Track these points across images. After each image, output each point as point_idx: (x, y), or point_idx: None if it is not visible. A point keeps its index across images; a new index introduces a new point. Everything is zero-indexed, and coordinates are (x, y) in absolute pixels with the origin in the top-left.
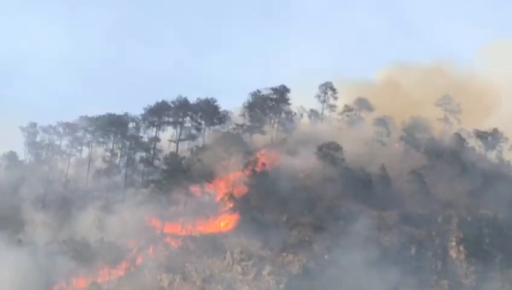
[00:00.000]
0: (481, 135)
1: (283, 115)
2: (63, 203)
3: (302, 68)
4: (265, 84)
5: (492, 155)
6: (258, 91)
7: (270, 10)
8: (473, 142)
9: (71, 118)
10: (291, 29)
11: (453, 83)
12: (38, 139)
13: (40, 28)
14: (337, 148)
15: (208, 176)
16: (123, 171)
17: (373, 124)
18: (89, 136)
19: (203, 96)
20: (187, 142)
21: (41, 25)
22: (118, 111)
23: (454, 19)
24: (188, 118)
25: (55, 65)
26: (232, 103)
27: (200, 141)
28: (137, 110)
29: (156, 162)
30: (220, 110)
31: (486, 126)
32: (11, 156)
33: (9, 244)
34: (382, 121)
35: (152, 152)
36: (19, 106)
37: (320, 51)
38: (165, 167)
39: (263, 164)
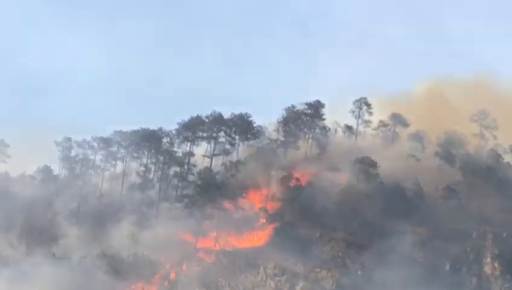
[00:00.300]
0: None
1: (317, 130)
2: (97, 218)
3: (338, 84)
4: (301, 100)
5: None
6: (293, 106)
7: (306, 26)
8: (509, 158)
9: (106, 133)
10: (328, 45)
11: (489, 99)
12: (72, 153)
13: (77, 44)
14: (372, 163)
15: (241, 191)
16: (157, 186)
17: (408, 139)
18: (123, 150)
19: (237, 112)
20: (221, 157)
21: (78, 40)
22: (152, 126)
23: (493, 34)
24: (222, 133)
25: (90, 80)
26: (267, 118)
27: (234, 156)
28: (171, 125)
29: (190, 177)
30: (254, 125)
31: None
32: (46, 170)
33: (43, 258)
34: (417, 136)
35: (186, 167)
36: (54, 121)
37: (356, 67)
38: (199, 182)
39: (297, 179)
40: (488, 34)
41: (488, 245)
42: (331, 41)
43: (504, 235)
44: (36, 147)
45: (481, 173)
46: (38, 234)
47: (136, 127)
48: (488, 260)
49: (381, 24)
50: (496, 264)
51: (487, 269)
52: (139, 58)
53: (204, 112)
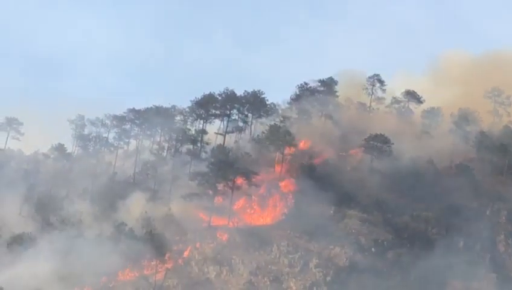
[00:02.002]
0: None
1: (330, 107)
2: (110, 196)
3: (351, 61)
4: (313, 77)
5: None
6: (306, 83)
7: (318, 4)
8: None
9: (119, 111)
10: (340, 23)
11: (503, 75)
12: (86, 131)
13: (90, 22)
14: (385, 140)
15: (254, 169)
16: (170, 164)
17: (421, 116)
18: (136, 128)
19: (250, 90)
20: (234, 134)
21: (92, 19)
22: (166, 104)
23: (507, 10)
24: (235, 111)
25: (104, 59)
26: (280, 96)
27: (247, 134)
28: (184, 103)
29: (203, 155)
30: (267, 102)
31: None
32: (59, 148)
33: (57, 236)
34: (431, 113)
35: (199, 145)
36: (67, 99)
37: (368, 44)
38: (212, 160)
39: (310, 157)
40: (502, 9)
41: (501, 222)
42: (343, 19)
43: None
44: (49, 125)
45: (495, 150)
46: (52, 212)
47: (149, 105)
48: (502, 237)
49: (393, 1)
50: (510, 242)
51: (500, 246)
52: (152, 37)
53: (217, 90)
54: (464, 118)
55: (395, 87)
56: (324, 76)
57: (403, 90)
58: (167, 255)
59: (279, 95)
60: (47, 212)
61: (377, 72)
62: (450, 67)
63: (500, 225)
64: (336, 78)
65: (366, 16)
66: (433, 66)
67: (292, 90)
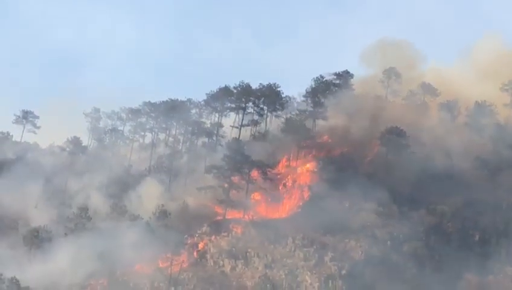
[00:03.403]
0: None
1: (347, 100)
2: (126, 189)
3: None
4: (330, 70)
5: None
6: (321, 76)
7: None
8: None
9: (135, 104)
10: (358, 15)
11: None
12: (101, 124)
13: (107, 16)
14: (402, 133)
15: (270, 162)
16: (185, 157)
17: (437, 109)
18: (152, 121)
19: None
20: (249, 127)
21: (110, 14)
22: (182, 97)
23: None
24: (250, 104)
25: (122, 54)
26: (296, 90)
27: (262, 127)
28: (200, 97)
29: (219, 148)
30: (282, 95)
31: None
32: (75, 141)
33: (74, 229)
34: (447, 106)
35: (214, 138)
36: (83, 92)
37: (384, 37)
38: (227, 153)
39: (327, 150)
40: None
41: None
42: (360, 12)
43: None
44: (65, 118)
45: (511, 143)
46: (68, 205)
47: (165, 99)
48: None
49: None
50: None
51: None
52: (169, 31)
53: (233, 83)
54: (479, 111)
55: (411, 80)
56: (340, 69)
57: (419, 82)
58: (182, 248)
59: (296, 88)
60: (63, 205)
61: (392, 66)
62: (465, 59)
63: None
64: (352, 72)
65: (384, 7)
66: (450, 59)
67: (308, 83)
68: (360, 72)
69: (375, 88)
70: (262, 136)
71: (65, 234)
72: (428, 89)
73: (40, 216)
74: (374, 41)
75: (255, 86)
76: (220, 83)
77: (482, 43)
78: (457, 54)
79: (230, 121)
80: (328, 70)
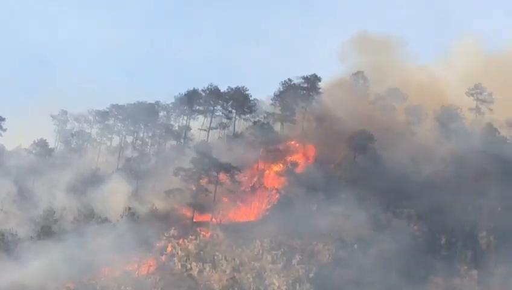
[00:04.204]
0: None
1: (314, 104)
2: (93, 192)
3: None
4: (299, 74)
5: None
6: (289, 80)
7: (304, 1)
8: (505, 132)
9: (103, 106)
10: (328, 20)
11: (486, 73)
12: (68, 127)
13: (76, 16)
14: (369, 137)
15: (238, 165)
16: (153, 160)
17: (404, 113)
18: (119, 124)
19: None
20: (218, 130)
21: (77, 12)
22: (151, 99)
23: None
24: (218, 107)
25: (91, 55)
26: (265, 92)
27: (230, 130)
28: (168, 99)
29: (187, 151)
30: (250, 98)
31: None
32: (42, 143)
33: (39, 233)
34: (413, 110)
35: (182, 140)
36: (51, 94)
37: None
38: (195, 156)
39: (295, 153)
40: (488, 9)
41: (483, 219)
42: (331, 16)
43: (499, 209)
44: (32, 121)
45: (478, 148)
46: (34, 207)
47: (133, 101)
48: (484, 234)
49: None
50: (492, 239)
51: (482, 243)
52: (138, 32)
53: (203, 86)
54: (446, 115)
55: (379, 83)
56: (310, 72)
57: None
58: (150, 251)
59: (265, 91)
60: (29, 208)
61: (361, 70)
62: (433, 64)
63: (482, 222)
64: (321, 75)
65: (355, 11)
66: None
67: (277, 86)
68: (333, 74)
69: (346, 90)
70: (230, 139)
71: (31, 237)
72: (395, 93)
73: (6, 219)
74: (352, 39)
75: (223, 89)
76: (190, 85)
77: (460, 44)
78: (433, 57)
79: (198, 124)
80: (297, 73)
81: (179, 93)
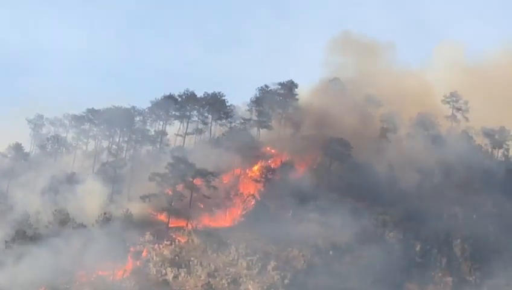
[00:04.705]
0: (488, 133)
1: (291, 110)
2: (68, 196)
3: (315, 64)
4: (276, 80)
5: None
6: (266, 86)
7: (282, 7)
8: (480, 140)
9: (79, 111)
10: (306, 26)
11: (463, 80)
12: (44, 131)
13: (52, 22)
14: (345, 144)
15: (214, 170)
16: (129, 165)
17: (380, 120)
18: (95, 129)
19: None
20: (194, 136)
21: (53, 18)
22: (126, 104)
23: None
24: (195, 112)
25: (65, 58)
26: (242, 98)
27: (206, 135)
28: (145, 104)
29: (163, 156)
30: (227, 104)
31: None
32: (17, 147)
33: (24, 239)
34: (389, 117)
35: (158, 146)
36: (26, 98)
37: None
38: (171, 161)
39: (271, 159)
40: (466, 15)
41: (458, 227)
42: (309, 23)
43: (474, 216)
44: (7, 125)
45: (453, 155)
46: (8, 211)
47: (109, 106)
48: (458, 241)
49: (358, 6)
50: (466, 246)
51: (457, 250)
52: (116, 37)
53: (179, 91)
54: (422, 122)
55: (355, 90)
56: (290, 78)
57: (363, 93)
58: (125, 256)
59: (242, 97)
60: (3, 212)
61: (337, 76)
62: (411, 71)
63: (457, 229)
64: (298, 82)
65: (333, 17)
66: (395, 69)
67: (253, 92)
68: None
69: (322, 96)
70: (206, 145)
71: (5, 241)
72: (371, 100)
73: None
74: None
75: (200, 94)
76: (167, 90)
77: (439, 50)
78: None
79: (174, 129)
80: (274, 79)
81: (155, 98)
